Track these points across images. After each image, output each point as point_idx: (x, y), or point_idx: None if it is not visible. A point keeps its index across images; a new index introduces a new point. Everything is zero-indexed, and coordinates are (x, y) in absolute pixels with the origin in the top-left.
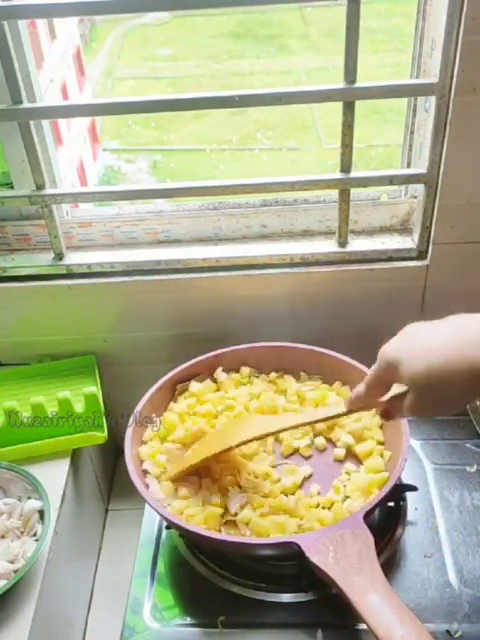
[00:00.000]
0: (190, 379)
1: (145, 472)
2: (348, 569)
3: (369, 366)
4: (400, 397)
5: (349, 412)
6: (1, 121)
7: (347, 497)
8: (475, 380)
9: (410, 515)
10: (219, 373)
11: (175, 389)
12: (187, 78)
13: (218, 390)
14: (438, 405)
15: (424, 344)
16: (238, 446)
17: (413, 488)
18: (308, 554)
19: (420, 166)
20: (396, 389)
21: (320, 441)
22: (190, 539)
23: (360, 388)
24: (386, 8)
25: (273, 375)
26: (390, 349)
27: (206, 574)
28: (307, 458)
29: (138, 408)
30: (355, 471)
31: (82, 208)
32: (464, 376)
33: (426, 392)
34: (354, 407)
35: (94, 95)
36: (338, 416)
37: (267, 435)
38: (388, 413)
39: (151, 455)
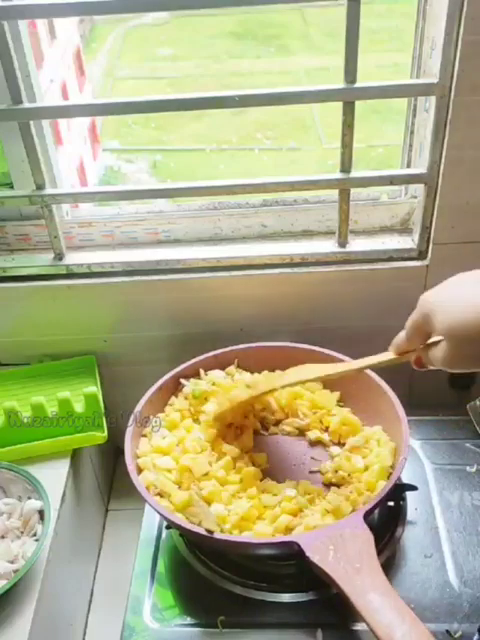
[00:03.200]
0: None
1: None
2: (348, 568)
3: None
4: (434, 345)
5: (395, 360)
6: (1, 121)
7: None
8: None
9: (410, 515)
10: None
11: (177, 387)
12: (187, 78)
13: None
14: (471, 360)
15: (460, 293)
16: (283, 387)
17: (413, 488)
18: (308, 553)
19: (420, 166)
20: (435, 337)
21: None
22: (190, 539)
23: (402, 334)
24: (386, 8)
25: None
26: (430, 297)
27: (206, 574)
28: None
29: (138, 408)
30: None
31: (82, 208)
32: None
33: (461, 344)
34: (397, 353)
35: (94, 95)
36: (385, 363)
37: (312, 380)
38: (420, 362)
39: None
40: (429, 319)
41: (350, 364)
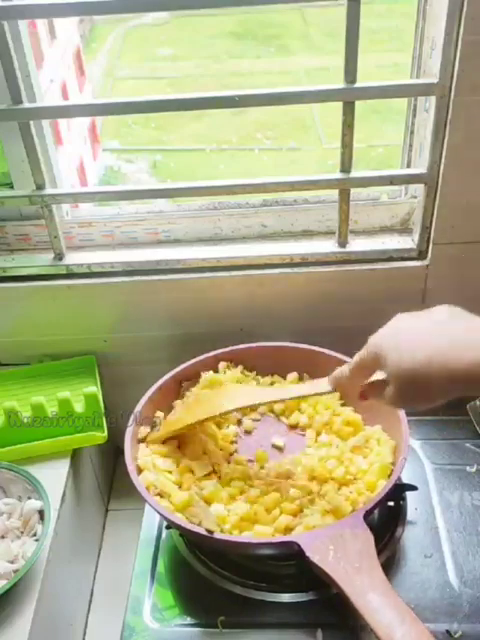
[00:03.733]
0: (190, 379)
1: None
2: (348, 568)
3: None
4: (380, 384)
5: (332, 391)
6: (1, 121)
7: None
8: (452, 382)
9: (410, 515)
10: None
11: (180, 386)
12: (187, 78)
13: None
14: (415, 401)
15: (411, 341)
16: (222, 415)
17: (413, 488)
18: (308, 553)
19: (420, 166)
20: (378, 375)
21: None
22: (190, 539)
23: (344, 369)
24: (386, 8)
25: (273, 377)
26: (378, 340)
27: (206, 574)
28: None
29: (138, 408)
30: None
31: (82, 208)
32: (443, 379)
33: (406, 388)
34: (337, 386)
35: (94, 95)
36: (321, 393)
37: (253, 406)
38: (364, 396)
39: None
40: (378, 362)
41: (288, 391)
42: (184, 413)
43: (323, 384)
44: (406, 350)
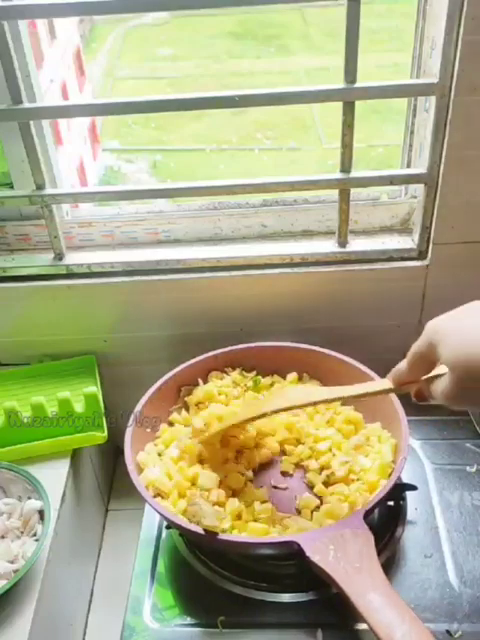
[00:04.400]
0: (190, 379)
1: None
2: (348, 568)
3: (370, 366)
4: (439, 378)
5: (393, 390)
6: (1, 121)
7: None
8: None
9: (410, 515)
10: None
11: (178, 390)
12: (187, 78)
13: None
14: (474, 397)
15: (475, 327)
16: (274, 413)
17: (413, 488)
18: (308, 553)
19: (420, 166)
20: (439, 369)
21: None
22: (190, 539)
23: (402, 364)
24: (386, 8)
25: (273, 378)
26: (438, 324)
27: (206, 574)
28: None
29: (138, 408)
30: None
31: (82, 208)
32: None
33: (466, 378)
34: (397, 383)
35: (94, 95)
36: (382, 392)
37: (305, 405)
38: (421, 394)
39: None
40: (435, 348)
41: (345, 390)
42: (232, 413)
43: (384, 382)
44: (467, 333)
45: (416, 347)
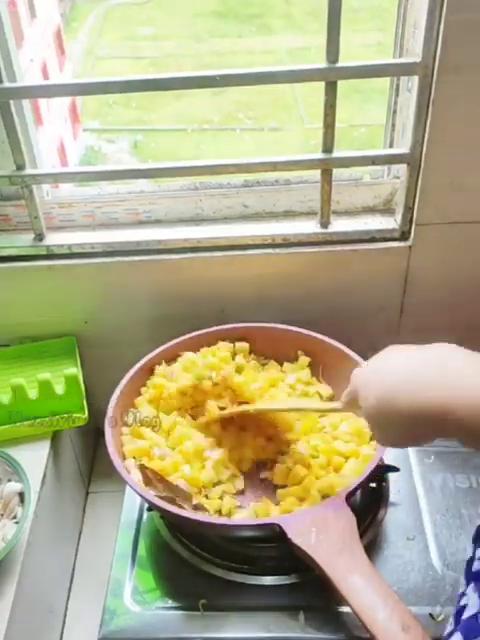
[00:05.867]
0: (171, 359)
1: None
2: (331, 551)
3: (352, 348)
4: None
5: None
6: None
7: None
8: (417, 423)
9: (393, 497)
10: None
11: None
12: (168, 57)
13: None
14: (389, 440)
15: (383, 377)
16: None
17: (395, 469)
18: (290, 535)
19: (403, 146)
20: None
21: None
22: (171, 521)
23: (343, 398)
24: None
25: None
26: (355, 375)
27: (187, 557)
28: None
29: (118, 390)
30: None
31: (62, 188)
32: (407, 418)
33: (374, 425)
34: (345, 409)
35: (75, 74)
36: (334, 410)
37: (278, 410)
38: None
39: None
40: (355, 396)
41: (310, 404)
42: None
43: (337, 403)
44: (375, 381)
45: (346, 392)
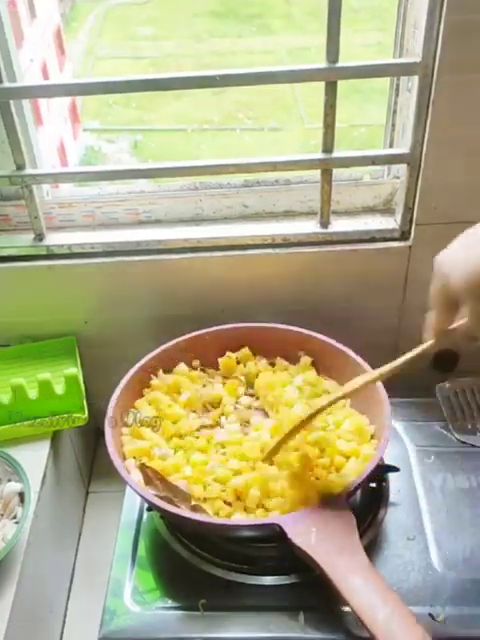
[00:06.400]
0: (169, 361)
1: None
2: (331, 551)
3: (352, 348)
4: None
5: (434, 345)
6: None
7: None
8: None
9: (393, 497)
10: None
11: (156, 369)
12: (168, 57)
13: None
14: None
15: (471, 251)
16: (310, 418)
17: (395, 469)
18: (290, 536)
19: (403, 146)
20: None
21: None
22: (171, 521)
23: (430, 315)
24: None
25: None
26: (443, 258)
27: (187, 557)
28: None
29: (118, 390)
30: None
31: (62, 188)
32: None
33: (477, 299)
34: (438, 333)
35: (75, 74)
36: (430, 350)
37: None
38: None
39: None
40: (448, 281)
41: (373, 373)
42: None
43: (425, 344)
44: (472, 260)
45: (433, 286)
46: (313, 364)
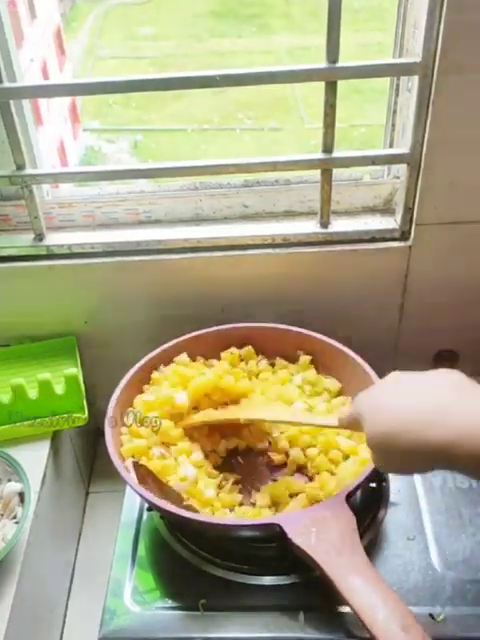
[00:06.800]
0: (169, 361)
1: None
2: (330, 550)
3: (352, 348)
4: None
5: (339, 427)
6: None
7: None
8: (423, 455)
9: (393, 497)
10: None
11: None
12: (168, 57)
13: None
14: (390, 467)
15: (389, 405)
16: (245, 422)
17: None
18: (290, 535)
19: (403, 146)
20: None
21: None
22: (171, 521)
23: (343, 413)
24: None
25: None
26: (360, 400)
27: (187, 556)
28: None
29: (118, 390)
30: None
31: (62, 188)
32: (413, 450)
33: (378, 452)
34: (342, 427)
35: (75, 74)
36: (328, 427)
37: (271, 421)
38: None
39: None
40: (359, 422)
41: (307, 418)
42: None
43: (332, 419)
44: (380, 415)
45: (349, 414)
46: (313, 363)
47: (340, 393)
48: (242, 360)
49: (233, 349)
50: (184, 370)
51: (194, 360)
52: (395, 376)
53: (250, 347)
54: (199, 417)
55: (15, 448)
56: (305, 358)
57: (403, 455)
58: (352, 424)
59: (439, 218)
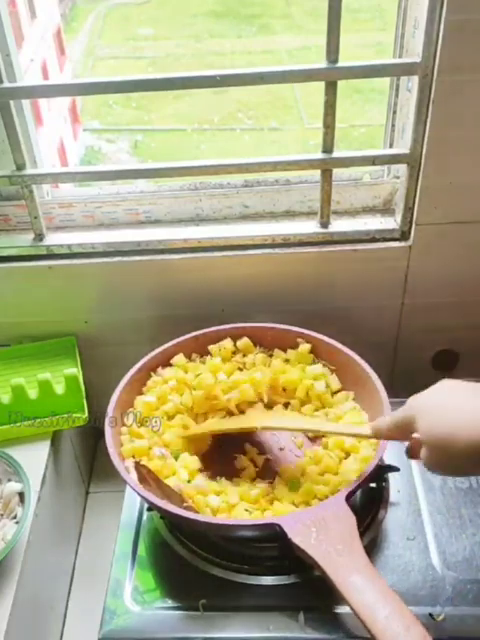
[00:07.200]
0: (169, 360)
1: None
2: (331, 550)
3: (352, 348)
4: (418, 443)
5: (373, 437)
6: None
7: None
8: (472, 461)
9: (393, 497)
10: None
11: (155, 370)
12: (168, 57)
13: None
14: (445, 469)
15: (446, 408)
16: (263, 430)
17: (395, 469)
18: (290, 535)
19: (403, 146)
20: (417, 436)
21: None
22: (171, 521)
23: (385, 420)
24: None
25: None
26: (416, 402)
27: (187, 556)
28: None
29: (118, 390)
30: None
31: (62, 188)
32: (472, 452)
33: (436, 454)
34: (376, 435)
35: (75, 75)
36: (360, 436)
37: (292, 429)
38: (412, 452)
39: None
40: (413, 423)
41: (322, 424)
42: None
43: (364, 428)
44: (438, 417)
45: (398, 416)
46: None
47: (339, 391)
48: (237, 352)
49: (224, 343)
50: (182, 375)
51: (191, 360)
52: (448, 382)
53: (246, 339)
54: (213, 426)
55: (15, 448)
56: (305, 346)
57: (461, 454)
58: (400, 428)
59: (439, 218)
